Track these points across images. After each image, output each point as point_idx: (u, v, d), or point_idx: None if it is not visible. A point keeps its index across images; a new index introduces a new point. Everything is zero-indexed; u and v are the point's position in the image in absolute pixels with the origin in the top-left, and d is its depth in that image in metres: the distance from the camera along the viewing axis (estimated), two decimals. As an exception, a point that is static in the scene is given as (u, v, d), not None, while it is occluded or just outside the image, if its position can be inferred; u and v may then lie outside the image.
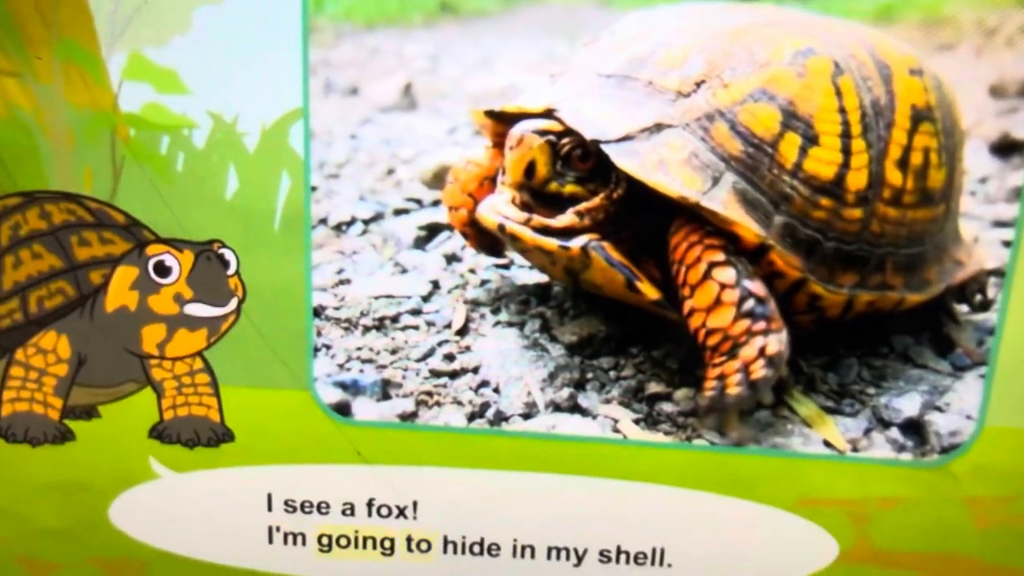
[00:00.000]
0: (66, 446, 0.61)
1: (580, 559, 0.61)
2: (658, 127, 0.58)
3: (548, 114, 0.60)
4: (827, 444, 0.58)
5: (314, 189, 0.57)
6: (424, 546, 0.62)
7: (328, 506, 0.61)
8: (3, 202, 0.56)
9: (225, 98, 0.56)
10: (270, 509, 0.61)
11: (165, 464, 0.61)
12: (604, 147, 0.58)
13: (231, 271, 0.56)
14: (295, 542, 0.62)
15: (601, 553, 0.61)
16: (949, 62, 0.61)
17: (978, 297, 0.67)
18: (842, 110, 0.59)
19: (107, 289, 0.56)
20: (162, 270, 0.56)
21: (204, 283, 0.56)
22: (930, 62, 0.61)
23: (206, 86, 0.55)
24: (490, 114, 0.64)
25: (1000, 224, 0.71)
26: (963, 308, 0.67)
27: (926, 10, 0.56)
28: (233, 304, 0.56)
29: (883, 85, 0.60)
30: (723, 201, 0.57)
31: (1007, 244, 0.53)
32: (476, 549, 0.61)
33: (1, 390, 0.58)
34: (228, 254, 0.56)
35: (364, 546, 0.62)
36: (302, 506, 0.61)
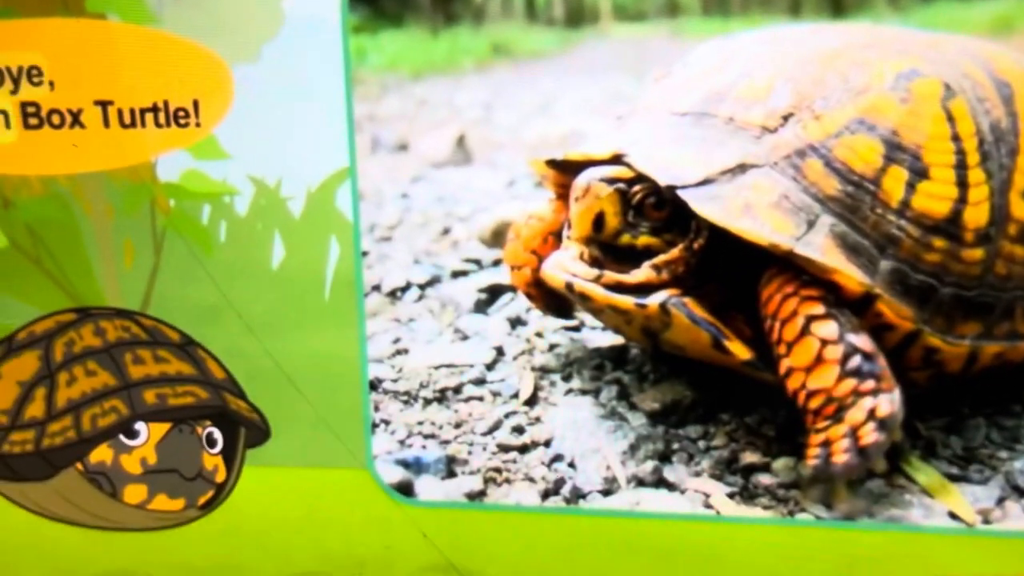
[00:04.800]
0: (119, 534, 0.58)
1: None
2: (742, 168, 0.50)
3: (616, 160, 0.53)
4: (953, 516, 0.49)
5: (365, 254, 0.52)
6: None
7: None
8: (57, 318, 0.53)
9: (267, 161, 0.50)
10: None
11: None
12: (681, 193, 0.50)
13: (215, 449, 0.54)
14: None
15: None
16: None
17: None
18: (955, 137, 0.50)
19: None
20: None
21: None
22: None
23: (246, 150, 0.50)
24: (552, 163, 0.57)
25: None
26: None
27: (1052, 17, 0.48)
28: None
29: (1003, 106, 0.50)
30: (820, 247, 0.50)
31: None
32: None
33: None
34: (216, 433, 0.54)
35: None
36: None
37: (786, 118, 0.51)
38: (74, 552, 0.57)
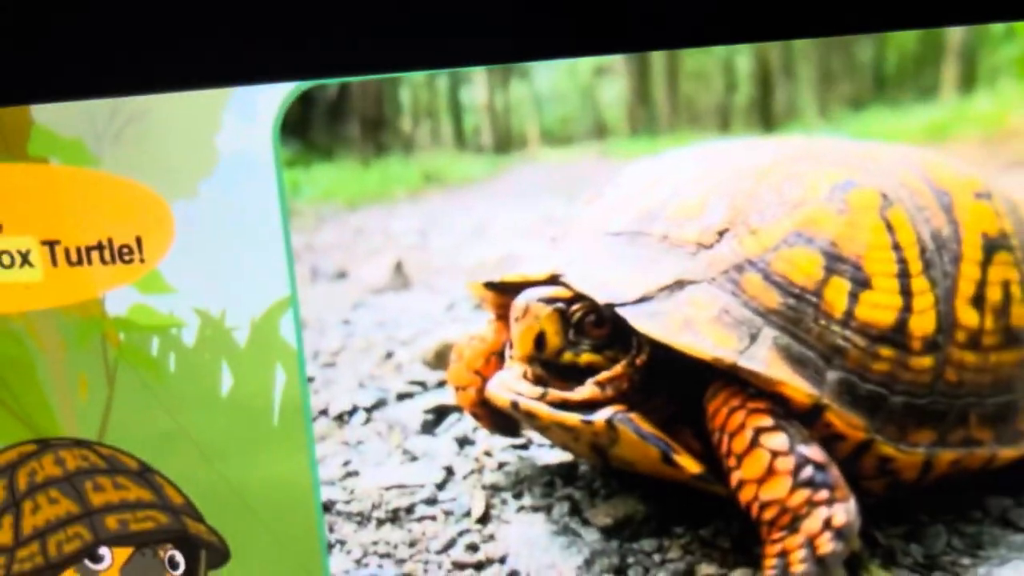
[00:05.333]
0: None
1: None
2: (679, 284, 0.49)
3: (554, 280, 0.52)
4: (917, 623, 0.49)
5: (311, 380, 0.53)
6: None
7: None
8: (19, 449, 0.54)
9: (211, 293, 0.51)
10: None
11: None
12: (620, 310, 0.49)
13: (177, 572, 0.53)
14: None
15: None
16: None
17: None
18: (896, 246, 0.49)
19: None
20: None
21: None
22: (999, 182, 0.52)
23: (190, 283, 0.51)
24: (490, 285, 0.57)
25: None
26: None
27: (987, 124, 0.47)
28: None
29: (943, 214, 0.49)
30: (765, 360, 0.48)
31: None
32: None
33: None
34: (177, 555, 0.53)
35: None
36: None
37: (721, 234, 0.50)
38: None
